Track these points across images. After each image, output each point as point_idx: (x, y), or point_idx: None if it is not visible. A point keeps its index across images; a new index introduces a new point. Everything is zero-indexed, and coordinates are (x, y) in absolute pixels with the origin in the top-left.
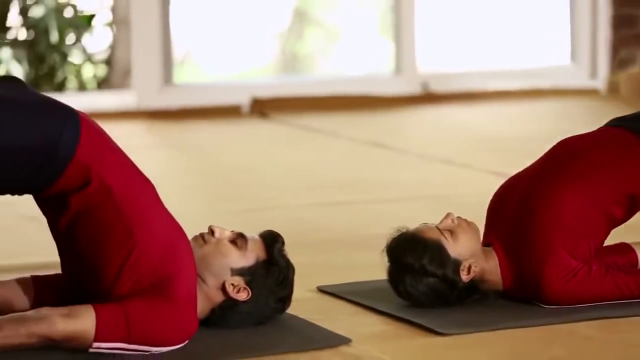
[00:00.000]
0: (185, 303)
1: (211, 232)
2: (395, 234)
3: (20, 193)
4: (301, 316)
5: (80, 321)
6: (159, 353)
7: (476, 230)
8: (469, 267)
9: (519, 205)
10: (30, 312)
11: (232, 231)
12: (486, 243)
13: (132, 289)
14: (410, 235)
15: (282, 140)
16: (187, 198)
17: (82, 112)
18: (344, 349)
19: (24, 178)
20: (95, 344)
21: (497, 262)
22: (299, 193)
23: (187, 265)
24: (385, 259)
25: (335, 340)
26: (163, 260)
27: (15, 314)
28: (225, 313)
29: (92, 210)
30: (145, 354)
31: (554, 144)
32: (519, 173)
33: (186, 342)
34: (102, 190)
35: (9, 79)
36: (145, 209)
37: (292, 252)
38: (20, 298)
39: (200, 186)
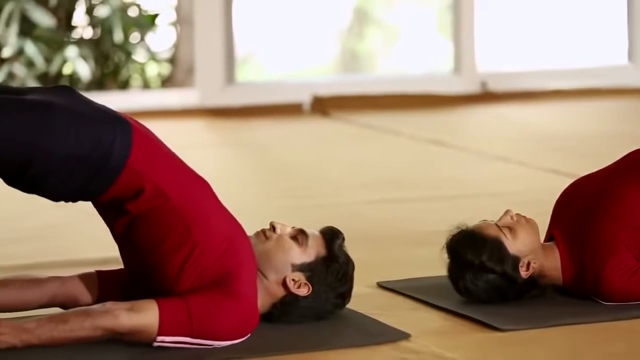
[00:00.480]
0: (246, 297)
1: (272, 228)
2: (455, 231)
3: (75, 200)
4: (361, 311)
5: (144, 315)
6: (221, 347)
7: (535, 226)
8: (528, 264)
9: (588, 201)
10: (95, 306)
11: (293, 227)
12: (549, 237)
13: (194, 284)
14: (469, 232)
15: (343, 138)
16: (248, 195)
17: (134, 120)
18: (403, 343)
19: (78, 186)
20: (159, 338)
21: (558, 258)
22: (359, 190)
23: (247, 261)
24: (445, 255)
25: (395, 335)
26: (223, 257)
27: (81, 307)
28: (286, 308)
29: (148, 215)
30: (209, 348)
31: (633, 149)
32: (591, 173)
33: (248, 336)
34: (157, 196)
35: (62, 88)
36: (202, 209)
37: (352, 248)
38: (85, 293)
39: (261, 183)
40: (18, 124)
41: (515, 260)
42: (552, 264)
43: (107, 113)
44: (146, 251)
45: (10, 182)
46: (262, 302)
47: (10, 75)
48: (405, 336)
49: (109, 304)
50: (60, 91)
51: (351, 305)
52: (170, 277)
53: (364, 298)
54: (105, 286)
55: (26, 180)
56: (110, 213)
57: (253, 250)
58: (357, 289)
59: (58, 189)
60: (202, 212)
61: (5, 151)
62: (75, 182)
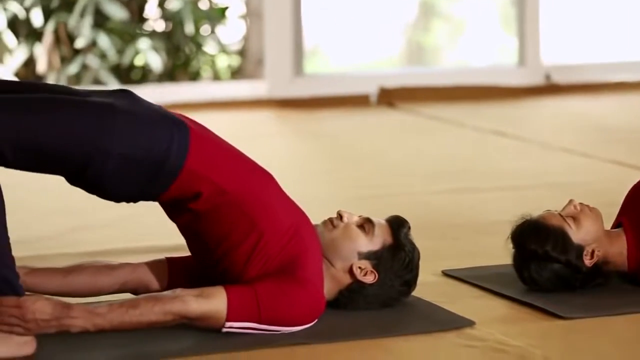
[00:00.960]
0: (312, 283)
1: (340, 216)
2: (519, 222)
3: (136, 200)
4: (426, 299)
5: (213, 301)
6: (289, 332)
7: (599, 215)
8: (592, 252)
9: None
10: (165, 292)
11: (360, 216)
12: (617, 224)
13: (261, 272)
14: (533, 222)
15: (408, 129)
16: (315, 184)
17: (191, 120)
18: (467, 331)
19: (136, 186)
20: (228, 324)
21: (625, 244)
22: (424, 180)
23: (312, 248)
24: (511, 246)
25: (459, 323)
26: (288, 245)
27: (151, 293)
28: (352, 295)
29: (211, 211)
30: (276, 334)
31: None
32: None
33: (314, 321)
34: (218, 194)
35: (122, 92)
36: (265, 200)
37: (418, 236)
38: (156, 280)
39: (328, 172)
40: (78, 123)
41: (579, 249)
42: (617, 250)
43: (165, 116)
44: (212, 244)
45: (72, 181)
46: (329, 289)
47: (84, 67)
48: (470, 323)
49: (178, 290)
50: (120, 94)
51: (416, 292)
52: (237, 267)
53: (429, 286)
54: (175, 273)
55: (86, 180)
56: (173, 210)
57: (318, 237)
58: (422, 276)
59: (116, 189)
60: (265, 203)
61: (65, 149)
62: (133, 183)
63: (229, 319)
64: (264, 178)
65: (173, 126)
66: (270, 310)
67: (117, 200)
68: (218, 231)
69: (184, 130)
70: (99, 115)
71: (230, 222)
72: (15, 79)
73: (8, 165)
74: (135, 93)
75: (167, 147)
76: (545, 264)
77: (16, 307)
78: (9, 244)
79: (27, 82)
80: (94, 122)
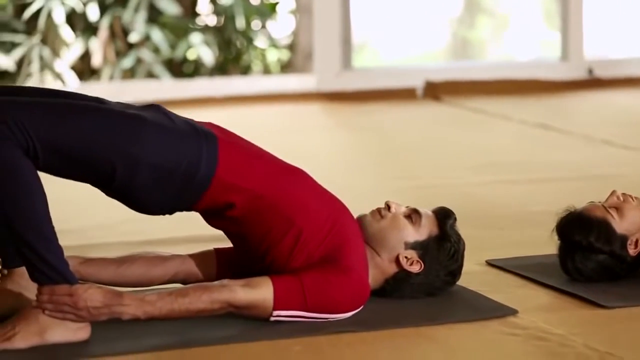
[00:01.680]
0: (355, 271)
1: (387, 207)
2: (564, 214)
3: (170, 212)
4: (470, 288)
5: (259, 290)
6: (335, 320)
7: None
8: (636, 242)
9: None
10: (213, 282)
11: (407, 207)
12: None
13: (304, 264)
14: (577, 214)
15: (454, 121)
16: (362, 175)
17: (217, 127)
18: (511, 319)
19: (167, 197)
20: (275, 313)
21: None
22: (470, 172)
23: (353, 236)
24: (556, 237)
25: (503, 311)
26: (328, 236)
27: (199, 283)
28: (398, 284)
29: (246, 217)
30: (323, 321)
31: None
32: None
33: (360, 308)
34: (251, 198)
35: (151, 106)
36: (299, 196)
37: (462, 227)
38: (205, 270)
39: (376, 164)
40: (109, 130)
41: (623, 239)
42: None
43: (193, 128)
44: (253, 244)
45: (106, 190)
46: (374, 277)
47: (138, 60)
48: (513, 312)
49: (225, 281)
50: (150, 108)
51: (461, 281)
52: (280, 261)
53: (473, 275)
54: (223, 264)
55: (117, 189)
56: (210, 217)
57: (357, 226)
58: (466, 266)
59: (149, 200)
60: (300, 199)
61: (94, 153)
62: (165, 194)
63: (276, 307)
64: (295, 175)
65: (202, 138)
66: (316, 297)
67: (152, 212)
68: (257, 233)
69: (212, 141)
70: (129, 124)
71: (268, 223)
72: (72, 72)
73: (39, 167)
74: (164, 107)
75: (197, 158)
76: (589, 255)
77: (68, 295)
78: (55, 234)
79: (61, 91)
80: (124, 129)
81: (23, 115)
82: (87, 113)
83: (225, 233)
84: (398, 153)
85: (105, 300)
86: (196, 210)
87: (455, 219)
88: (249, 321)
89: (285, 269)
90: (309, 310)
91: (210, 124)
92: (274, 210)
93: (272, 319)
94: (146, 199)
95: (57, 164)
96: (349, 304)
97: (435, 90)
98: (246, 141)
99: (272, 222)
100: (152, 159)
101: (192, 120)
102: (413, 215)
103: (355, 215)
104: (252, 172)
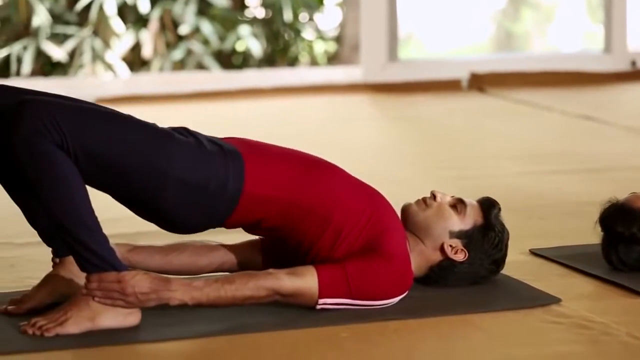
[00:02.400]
0: (397, 257)
1: (433, 196)
2: (606, 205)
3: (202, 229)
4: (514, 277)
5: (304, 278)
6: (381, 307)
7: None
8: None
9: None
10: (258, 271)
11: (452, 196)
12: None
13: (346, 253)
14: (620, 205)
15: (498, 113)
16: (407, 165)
17: (241, 139)
18: (554, 307)
19: (200, 215)
20: (321, 300)
21: None
22: (514, 162)
23: (392, 223)
24: (599, 228)
25: (546, 300)
26: (367, 226)
27: (246, 271)
28: (443, 272)
29: (282, 223)
30: (369, 308)
31: None
32: None
33: (405, 294)
34: (284, 206)
35: (177, 128)
36: (332, 192)
37: (506, 217)
38: (251, 260)
39: (421, 154)
40: (139, 141)
41: None
42: None
43: (219, 147)
44: (292, 244)
45: (135, 208)
46: (419, 265)
47: (188, 52)
48: (556, 301)
49: (271, 270)
50: (177, 128)
51: (505, 270)
52: (322, 256)
53: (517, 264)
54: (268, 253)
55: (147, 206)
56: (246, 229)
57: (395, 214)
58: (510, 255)
59: (177, 216)
60: (333, 194)
61: (127, 162)
62: (195, 211)
63: (321, 295)
64: (324, 169)
65: (228, 156)
66: (360, 284)
67: (184, 230)
68: (295, 236)
69: (237, 157)
70: (159, 138)
71: (305, 225)
72: (123, 63)
73: (82, 173)
74: (190, 128)
75: (225, 175)
76: (632, 246)
77: (116, 282)
78: (98, 223)
79: (85, 101)
80: (154, 142)
81: (57, 114)
82: (118, 120)
83: (266, 238)
84: (443, 144)
85: (153, 286)
86: (230, 227)
87: (499, 208)
88: (295, 309)
89: (328, 261)
90: (353, 298)
91: (233, 138)
92: (309, 211)
93: (319, 306)
94: (176, 214)
95: (86, 167)
96: (393, 290)
97: (480, 82)
98: (269, 146)
99: (309, 224)
100: (180, 174)
101: (216, 138)
102: (458, 204)
103: (398, 204)
104: (281, 179)
